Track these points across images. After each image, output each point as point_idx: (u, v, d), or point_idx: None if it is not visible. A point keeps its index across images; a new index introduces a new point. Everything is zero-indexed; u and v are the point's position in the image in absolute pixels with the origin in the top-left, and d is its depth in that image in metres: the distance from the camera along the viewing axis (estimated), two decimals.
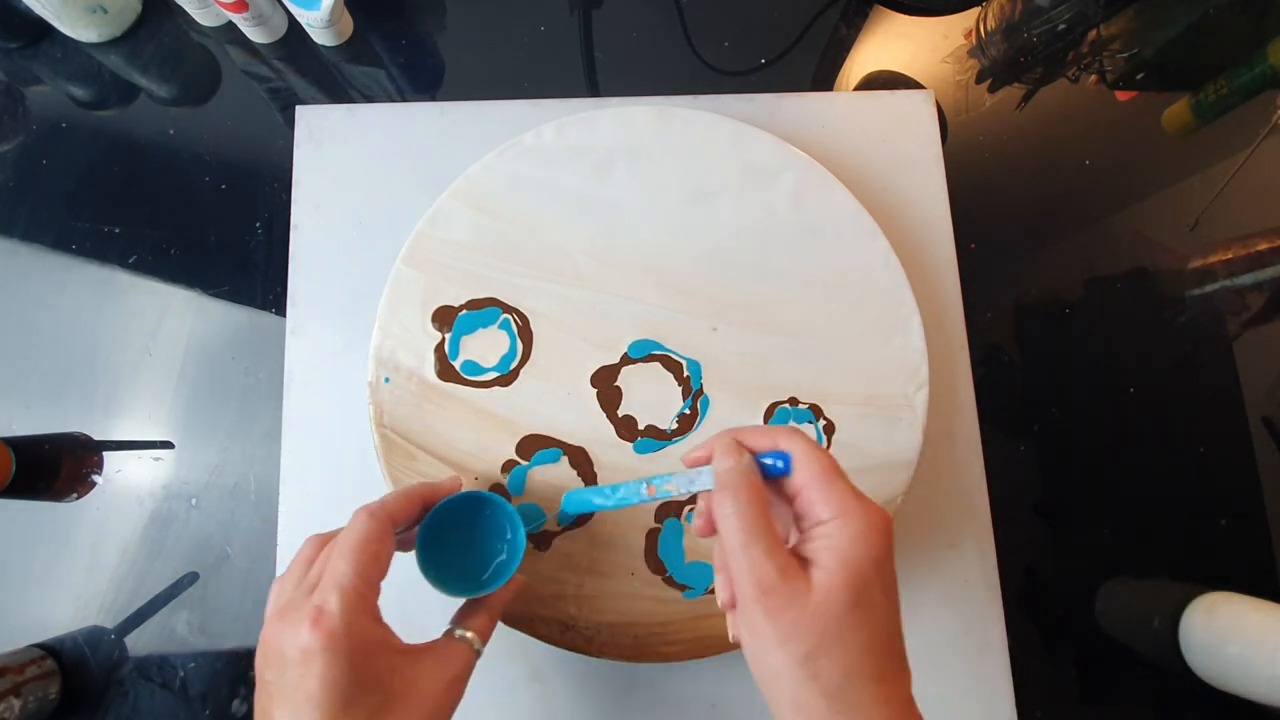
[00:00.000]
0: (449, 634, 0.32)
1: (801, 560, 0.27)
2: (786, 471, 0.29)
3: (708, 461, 0.31)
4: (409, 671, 0.29)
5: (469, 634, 0.32)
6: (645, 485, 0.32)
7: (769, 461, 0.30)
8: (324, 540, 0.31)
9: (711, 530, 0.29)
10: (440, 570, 0.34)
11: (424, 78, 0.52)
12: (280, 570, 0.42)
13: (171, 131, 0.50)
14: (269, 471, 0.44)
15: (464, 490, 0.35)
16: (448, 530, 0.35)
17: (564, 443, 0.42)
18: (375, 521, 0.30)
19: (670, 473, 0.32)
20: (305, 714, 0.26)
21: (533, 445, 0.42)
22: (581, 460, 0.42)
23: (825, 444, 0.42)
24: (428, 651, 0.30)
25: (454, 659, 0.31)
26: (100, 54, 0.51)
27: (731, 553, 0.28)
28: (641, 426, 0.42)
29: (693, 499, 0.42)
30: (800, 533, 0.29)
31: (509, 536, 0.36)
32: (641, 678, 0.42)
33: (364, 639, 0.27)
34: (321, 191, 0.47)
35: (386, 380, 0.42)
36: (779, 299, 0.44)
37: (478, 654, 0.32)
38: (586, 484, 0.42)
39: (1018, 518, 0.46)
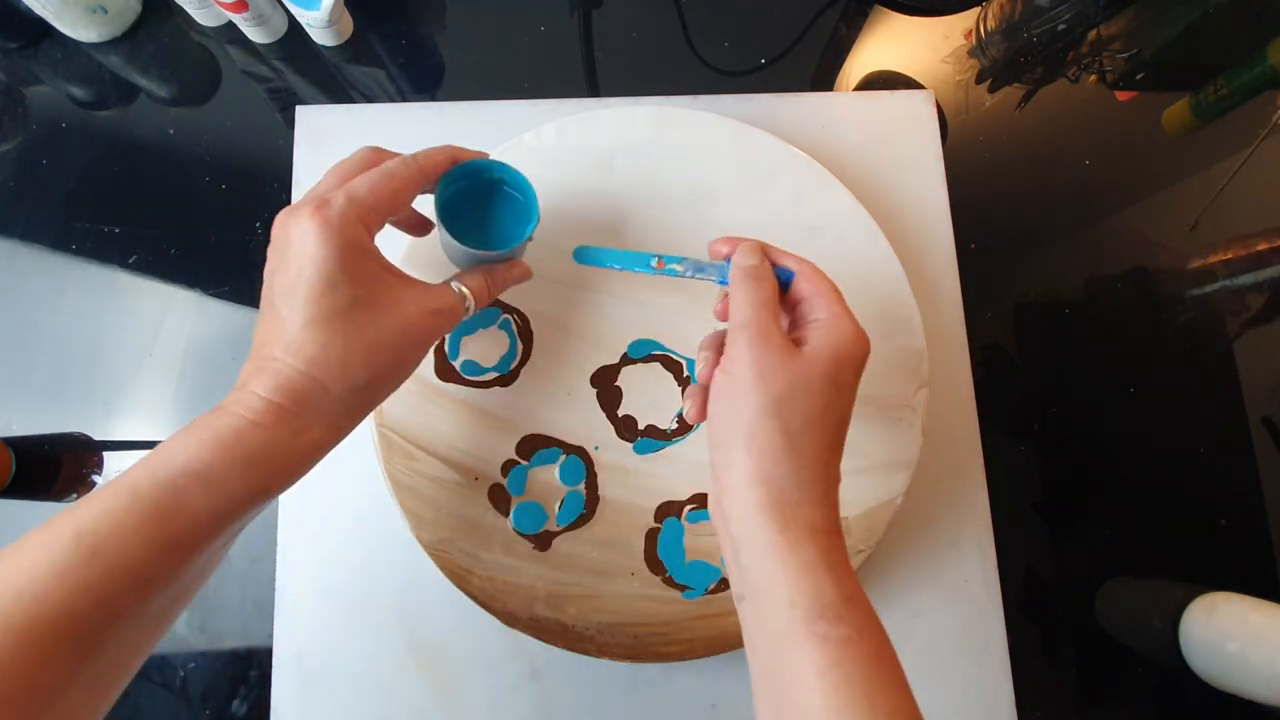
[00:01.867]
0: (445, 282, 0.34)
1: (797, 340, 0.32)
2: (787, 287, 0.34)
3: (726, 257, 0.35)
4: (395, 286, 0.31)
5: (463, 287, 0.34)
6: (655, 259, 0.36)
7: (780, 274, 0.34)
8: (378, 153, 0.33)
9: (710, 370, 0.33)
10: (456, 225, 0.35)
11: (424, 78, 0.52)
12: (280, 570, 0.42)
13: (171, 132, 0.50)
14: None
15: (487, 159, 0.36)
16: (470, 203, 0.37)
17: (564, 443, 0.42)
18: (406, 168, 0.32)
19: (684, 256, 0.36)
20: (297, 288, 0.28)
21: (532, 445, 0.42)
22: (582, 460, 0.42)
23: None
24: (418, 283, 0.32)
25: (440, 296, 0.32)
26: (100, 54, 0.51)
27: (738, 313, 0.31)
28: (641, 426, 0.42)
29: (692, 499, 0.42)
30: (793, 326, 0.34)
31: (529, 226, 0.37)
32: (642, 678, 0.42)
33: (357, 241, 0.29)
34: None
35: None
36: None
37: (466, 310, 0.34)
38: (586, 483, 0.42)
39: (1018, 518, 0.46)
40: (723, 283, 0.35)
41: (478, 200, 0.37)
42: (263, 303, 0.30)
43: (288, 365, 0.28)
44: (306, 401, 0.28)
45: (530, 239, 0.37)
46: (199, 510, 0.25)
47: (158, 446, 0.26)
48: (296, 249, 0.29)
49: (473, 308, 0.34)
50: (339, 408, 0.29)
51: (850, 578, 0.28)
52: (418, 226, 0.38)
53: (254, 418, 0.27)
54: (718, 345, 0.34)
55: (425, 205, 0.36)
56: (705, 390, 0.33)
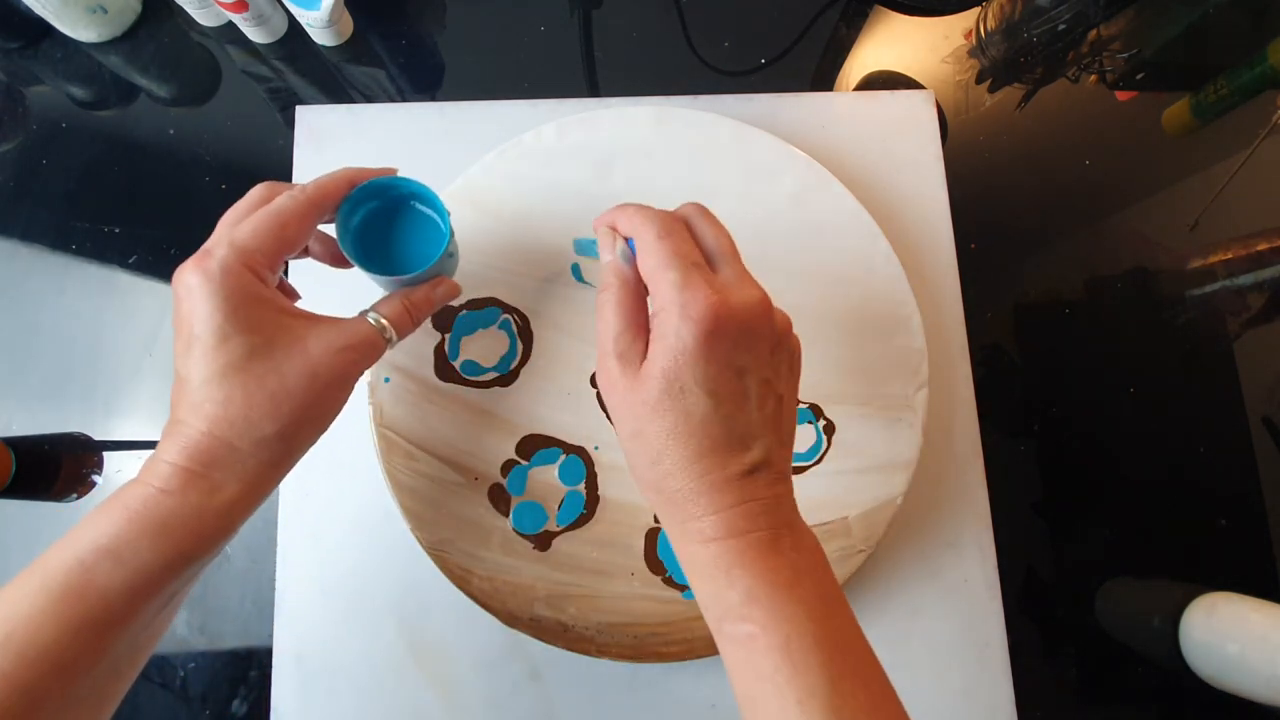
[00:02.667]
0: (361, 314, 0.33)
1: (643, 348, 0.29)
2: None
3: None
4: (296, 327, 0.30)
5: (380, 318, 0.33)
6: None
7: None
8: (272, 190, 0.32)
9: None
10: (361, 250, 0.34)
11: (424, 78, 0.52)
12: (280, 570, 0.42)
13: (171, 132, 0.50)
14: None
15: (393, 176, 0.34)
16: (382, 225, 0.35)
17: (564, 443, 0.42)
18: (293, 202, 0.31)
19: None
20: (190, 346, 0.28)
21: (532, 445, 0.42)
22: (582, 460, 0.42)
23: (825, 444, 0.42)
24: (325, 320, 0.31)
25: (352, 331, 0.31)
26: (100, 54, 0.51)
27: (598, 343, 0.30)
28: None
29: None
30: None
31: (445, 242, 0.35)
32: (642, 678, 0.42)
33: (243, 289, 0.28)
34: None
35: (386, 380, 0.42)
36: (779, 299, 0.44)
37: (386, 340, 0.33)
38: (586, 484, 0.42)
39: (1018, 518, 0.46)
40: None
41: (389, 220, 0.35)
42: (173, 370, 0.29)
43: (190, 427, 0.27)
44: (214, 462, 0.27)
45: (451, 255, 0.36)
46: (109, 586, 0.25)
47: (74, 527, 0.26)
48: (185, 306, 0.28)
49: (394, 338, 0.33)
50: (250, 463, 0.28)
51: (753, 575, 0.27)
52: (339, 259, 0.35)
53: (160, 484, 0.27)
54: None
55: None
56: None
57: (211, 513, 0.27)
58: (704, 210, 0.32)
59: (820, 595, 0.27)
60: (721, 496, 0.27)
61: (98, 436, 0.45)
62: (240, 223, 0.30)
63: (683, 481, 0.28)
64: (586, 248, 0.36)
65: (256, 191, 0.32)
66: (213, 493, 0.27)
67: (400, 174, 0.35)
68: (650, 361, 0.28)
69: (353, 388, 0.31)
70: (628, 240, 0.31)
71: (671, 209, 0.32)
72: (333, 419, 0.31)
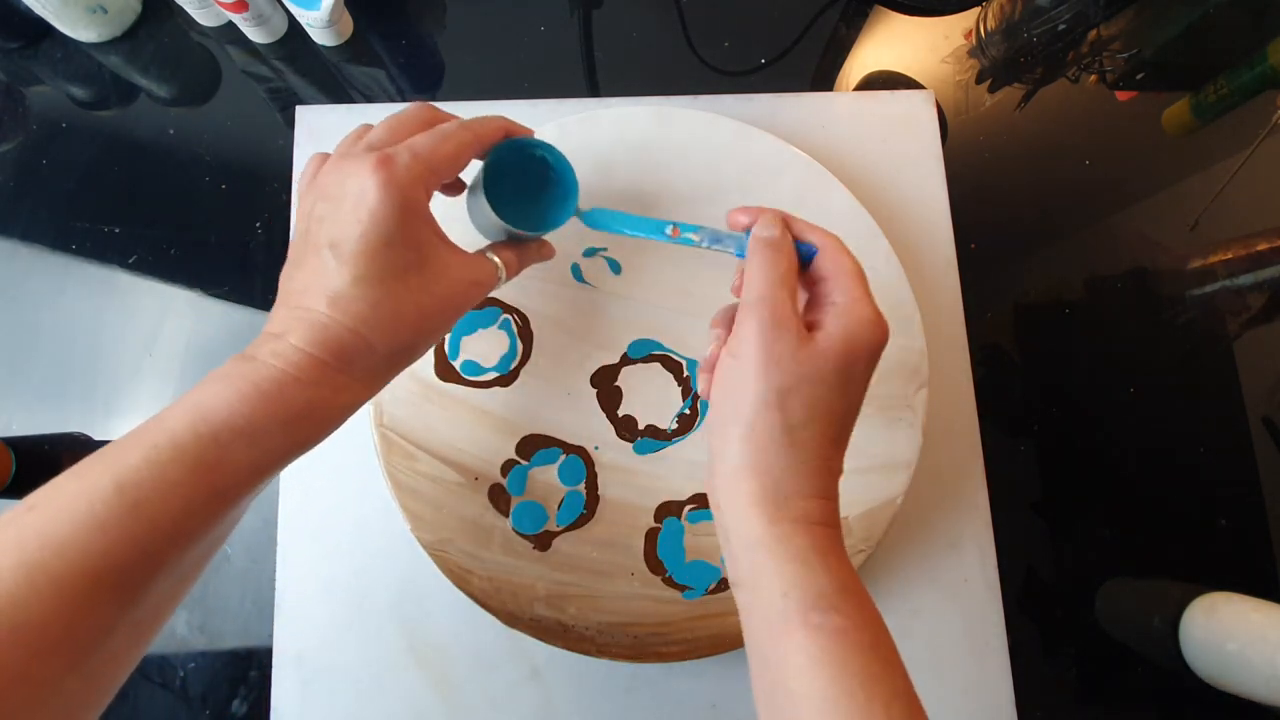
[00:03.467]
0: (481, 252, 0.33)
1: (811, 324, 0.30)
2: (808, 264, 0.32)
3: (747, 228, 0.32)
4: (444, 253, 0.30)
5: (497, 259, 0.33)
6: (671, 226, 0.35)
7: (802, 249, 0.32)
8: (434, 112, 0.32)
9: (727, 328, 0.32)
10: (497, 201, 0.34)
11: (424, 78, 0.52)
12: (280, 570, 0.42)
13: (171, 132, 0.50)
14: None
15: (537, 139, 0.35)
16: (511, 177, 0.35)
17: (564, 442, 0.42)
18: (465, 132, 0.31)
19: (700, 224, 0.34)
20: (351, 241, 0.27)
21: (533, 445, 0.42)
22: (582, 460, 0.42)
23: None
24: (462, 251, 0.32)
25: (480, 266, 0.32)
26: (100, 54, 0.51)
27: (752, 288, 0.30)
28: (641, 426, 0.42)
29: (692, 499, 0.42)
30: (811, 307, 0.32)
31: (568, 209, 0.36)
32: (642, 678, 0.42)
33: (416, 202, 0.28)
34: None
35: None
36: None
37: (499, 280, 0.33)
38: (586, 484, 0.42)
39: (1018, 518, 0.46)
40: (740, 255, 0.34)
41: (518, 175, 0.36)
42: (299, 247, 0.29)
43: (334, 320, 0.27)
44: (352, 359, 0.27)
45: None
46: (241, 464, 0.25)
47: (191, 392, 0.26)
48: (354, 200, 0.27)
49: (504, 280, 0.34)
50: (381, 367, 0.29)
51: (846, 568, 0.27)
52: (452, 188, 0.37)
53: (296, 373, 0.26)
54: (729, 321, 0.32)
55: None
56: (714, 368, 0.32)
57: (337, 408, 0.27)
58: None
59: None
60: (832, 484, 0.29)
61: (98, 436, 0.45)
62: (412, 136, 0.30)
63: (808, 457, 0.28)
64: (600, 220, 0.36)
65: (418, 109, 0.32)
66: (341, 390, 0.27)
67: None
68: (829, 335, 0.28)
69: (458, 319, 0.32)
70: (799, 243, 0.32)
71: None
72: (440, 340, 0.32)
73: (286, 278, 0.29)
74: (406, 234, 0.28)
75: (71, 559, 0.22)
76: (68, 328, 0.47)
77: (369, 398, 0.29)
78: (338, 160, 0.29)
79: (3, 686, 0.20)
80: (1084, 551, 0.46)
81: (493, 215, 0.34)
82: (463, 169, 0.32)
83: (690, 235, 0.34)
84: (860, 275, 0.31)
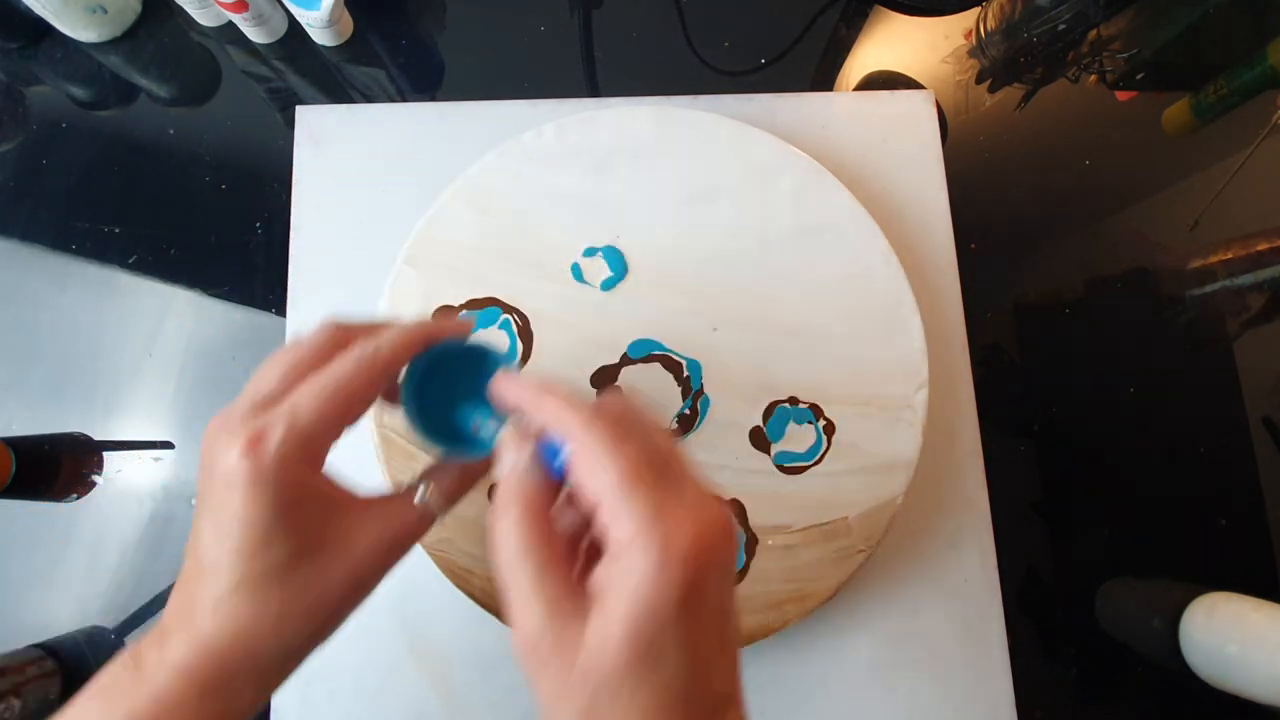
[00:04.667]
0: (409, 489, 0.28)
1: (586, 595, 0.22)
2: (562, 474, 0.24)
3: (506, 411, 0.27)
4: (342, 523, 0.26)
5: (430, 495, 0.28)
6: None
7: (556, 457, 0.24)
8: (343, 332, 0.27)
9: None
10: (425, 420, 0.29)
11: (424, 78, 0.52)
12: None
13: (171, 132, 0.50)
14: None
15: (469, 340, 0.30)
16: (440, 379, 0.30)
17: None
18: (363, 370, 0.26)
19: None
20: (227, 536, 0.23)
21: None
22: None
23: (825, 444, 0.42)
24: (371, 506, 0.27)
25: (398, 518, 0.27)
26: (100, 54, 0.51)
27: (502, 590, 0.23)
28: None
29: None
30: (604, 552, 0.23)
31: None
32: None
33: (295, 483, 0.24)
34: (321, 192, 0.47)
35: None
36: (779, 299, 0.44)
37: (433, 518, 0.28)
38: None
39: (1018, 518, 0.46)
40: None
41: (454, 370, 0.30)
42: (190, 539, 0.25)
43: (216, 632, 0.23)
44: (236, 673, 0.24)
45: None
46: None
47: (69, 708, 0.23)
48: (222, 495, 0.23)
49: (441, 517, 0.29)
50: (274, 669, 0.25)
51: None
52: (390, 394, 0.30)
53: (173, 701, 0.23)
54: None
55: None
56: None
57: (232, 716, 0.24)
58: (637, 401, 0.26)
59: None
60: None
61: (98, 436, 0.45)
62: (300, 387, 0.25)
63: None
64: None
65: (327, 334, 0.27)
66: (231, 699, 0.24)
67: (470, 327, 0.30)
68: (606, 621, 0.21)
69: (390, 572, 0.28)
70: (540, 442, 0.25)
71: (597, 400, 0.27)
72: (360, 606, 0.27)
73: (189, 547, 0.25)
74: (289, 524, 0.24)
75: None
76: (68, 328, 0.47)
77: (268, 697, 0.25)
78: (215, 428, 0.25)
79: None
80: (1084, 551, 0.46)
81: (417, 437, 0.29)
82: (365, 410, 0.27)
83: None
84: (634, 480, 0.22)
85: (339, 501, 0.26)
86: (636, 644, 0.21)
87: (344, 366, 0.25)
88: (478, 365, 0.30)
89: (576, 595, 0.22)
